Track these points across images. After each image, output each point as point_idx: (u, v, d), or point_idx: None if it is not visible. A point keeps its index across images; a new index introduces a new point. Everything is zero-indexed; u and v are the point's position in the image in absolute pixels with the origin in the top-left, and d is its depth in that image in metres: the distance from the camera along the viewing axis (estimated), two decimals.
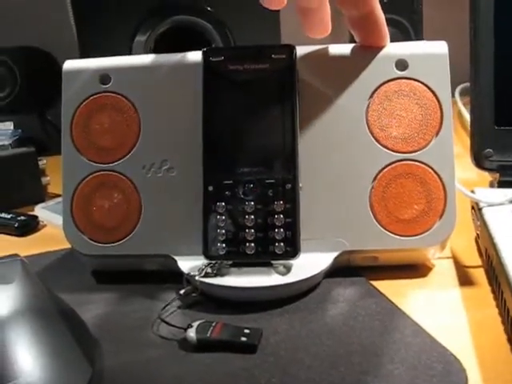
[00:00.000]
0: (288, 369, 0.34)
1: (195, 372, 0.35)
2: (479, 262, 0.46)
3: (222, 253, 0.42)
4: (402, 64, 0.44)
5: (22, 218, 0.61)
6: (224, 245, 0.42)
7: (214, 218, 0.43)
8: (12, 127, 0.75)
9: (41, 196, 0.69)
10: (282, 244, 0.42)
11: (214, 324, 0.38)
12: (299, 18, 0.42)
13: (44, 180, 0.70)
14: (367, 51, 0.45)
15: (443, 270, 0.45)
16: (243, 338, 0.37)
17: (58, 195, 0.66)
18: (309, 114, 0.44)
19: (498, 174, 0.52)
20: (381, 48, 0.45)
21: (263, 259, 0.43)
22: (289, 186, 0.42)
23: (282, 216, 0.42)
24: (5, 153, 0.69)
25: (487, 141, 0.51)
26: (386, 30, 0.44)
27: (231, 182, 0.43)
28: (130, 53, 0.70)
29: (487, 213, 0.46)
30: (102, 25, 0.69)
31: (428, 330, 0.37)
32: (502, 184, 0.51)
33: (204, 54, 0.44)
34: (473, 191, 0.49)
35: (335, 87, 0.45)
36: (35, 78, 0.92)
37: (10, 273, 0.37)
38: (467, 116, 0.83)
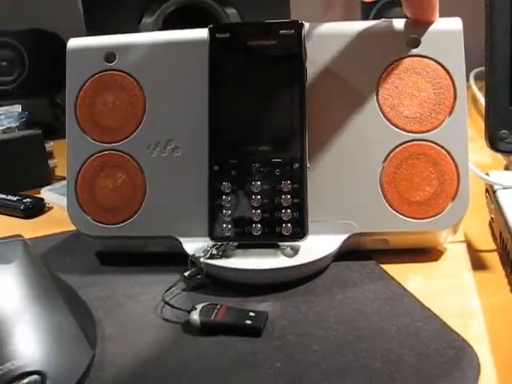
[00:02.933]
0: (294, 353, 0.33)
1: (198, 356, 0.34)
2: (493, 246, 0.45)
3: (227, 234, 0.41)
4: (414, 41, 0.43)
5: (28, 200, 0.61)
6: (230, 226, 0.41)
7: (219, 198, 0.42)
8: (20, 110, 0.74)
9: (48, 178, 0.68)
10: (289, 225, 0.41)
11: (218, 307, 0.37)
12: None
13: (51, 162, 0.70)
14: (378, 28, 0.43)
15: (456, 254, 0.44)
16: (248, 322, 0.36)
17: (65, 178, 0.65)
18: (317, 92, 0.43)
19: None
20: (430, 23, 0.43)
21: (270, 241, 0.41)
22: (296, 165, 0.41)
23: (289, 196, 0.41)
24: (12, 135, 0.68)
25: (502, 122, 0.49)
26: (437, 6, 0.42)
27: (237, 161, 0.42)
28: None
29: (502, 195, 0.44)
30: (108, 6, 0.68)
31: (439, 315, 0.36)
32: None
33: (210, 30, 0.43)
34: (487, 174, 0.47)
35: (345, 65, 0.43)
36: (43, 61, 0.91)
37: (10, 253, 0.37)
38: (482, 100, 0.82)
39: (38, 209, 0.61)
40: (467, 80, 0.89)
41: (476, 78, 0.92)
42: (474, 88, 0.90)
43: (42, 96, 0.94)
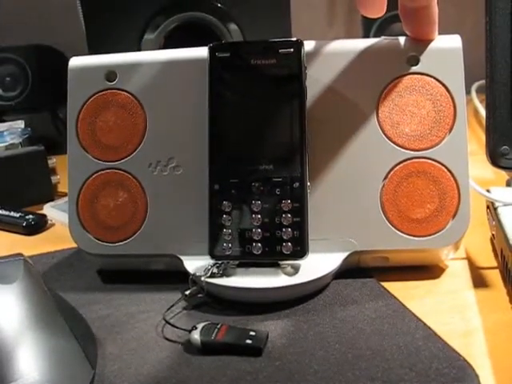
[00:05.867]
0: (294, 373, 0.33)
1: (199, 376, 0.34)
2: (494, 263, 0.45)
3: (228, 253, 0.41)
4: (413, 59, 0.43)
5: (31, 216, 0.61)
6: (230, 245, 0.41)
7: (220, 217, 0.42)
8: (23, 126, 0.74)
9: (50, 195, 0.68)
10: (289, 244, 0.41)
11: (218, 326, 0.37)
12: None
13: (54, 179, 0.70)
14: (378, 46, 0.44)
15: (457, 272, 0.44)
16: (248, 341, 0.36)
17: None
18: (318, 110, 0.43)
19: None
20: (429, 41, 0.43)
21: (270, 259, 0.41)
22: (297, 184, 0.41)
23: (289, 215, 0.41)
24: (14, 151, 0.68)
25: (503, 138, 0.49)
26: (436, 25, 0.42)
27: (237, 180, 0.42)
28: (139, 51, 0.69)
29: (503, 213, 0.44)
30: (110, 23, 0.69)
31: (440, 334, 0.36)
32: None
33: (210, 49, 0.43)
34: (488, 190, 0.47)
35: (345, 83, 0.43)
36: (47, 77, 0.92)
37: (12, 272, 0.37)
38: (484, 113, 0.82)
39: (40, 225, 0.61)
40: (469, 93, 0.90)
41: (478, 91, 0.92)
42: (476, 101, 0.90)
43: (45, 111, 0.95)
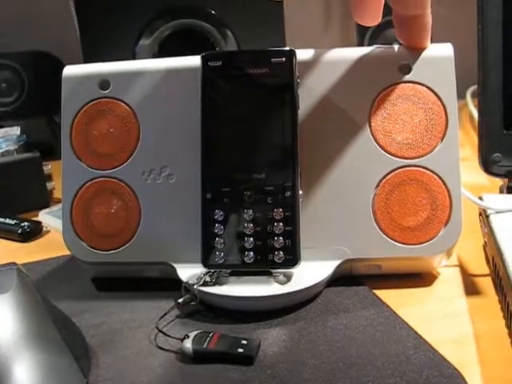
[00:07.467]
0: (285, 382, 0.33)
1: None
2: (487, 270, 0.45)
3: (220, 261, 0.42)
4: (406, 67, 0.43)
5: (26, 223, 0.61)
6: (223, 253, 0.41)
7: (212, 226, 0.42)
8: (19, 132, 0.74)
9: (46, 201, 0.68)
10: (281, 252, 0.41)
11: (210, 335, 0.37)
12: (351, 2, 0.40)
13: (49, 185, 0.70)
14: (370, 55, 0.44)
15: (449, 279, 0.44)
16: (240, 350, 0.36)
17: None
18: (310, 119, 0.43)
19: (506, 180, 0.50)
20: (421, 49, 0.43)
21: (262, 268, 0.42)
22: (288, 193, 0.41)
23: (281, 224, 0.41)
24: (10, 158, 0.68)
25: (496, 145, 0.50)
26: (429, 33, 0.43)
27: (230, 189, 0.42)
28: (133, 57, 0.69)
29: (494, 220, 0.45)
30: (105, 29, 0.69)
31: (431, 342, 0.36)
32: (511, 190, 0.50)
33: (202, 58, 0.43)
34: (480, 197, 0.48)
35: (337, 92, 0.44)
36: (43, 83, 0.92)
37: (5, 282, 0.37)
38: None
39: (35, 233, 0.61)
40: (464, 97, 0.90)
41: (473, 96, 0.92)
42: (471, 106, 0.90)
43: (41, 117, 0.95)
